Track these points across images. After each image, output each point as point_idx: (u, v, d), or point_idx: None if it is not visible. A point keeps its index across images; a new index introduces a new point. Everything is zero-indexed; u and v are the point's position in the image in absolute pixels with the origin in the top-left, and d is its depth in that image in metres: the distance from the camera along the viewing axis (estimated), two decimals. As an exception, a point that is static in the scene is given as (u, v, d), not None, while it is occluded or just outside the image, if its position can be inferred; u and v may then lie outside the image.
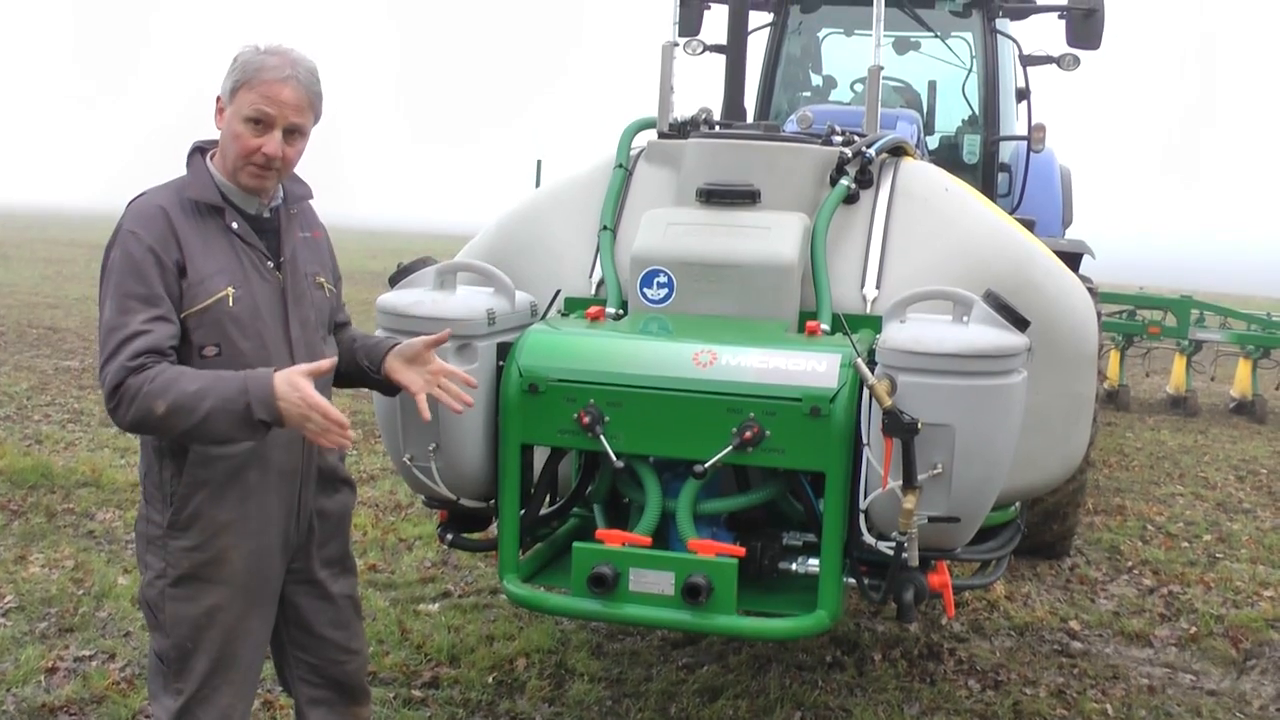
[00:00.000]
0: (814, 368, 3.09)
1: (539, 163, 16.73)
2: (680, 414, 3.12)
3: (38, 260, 27.56)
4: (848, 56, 9.46)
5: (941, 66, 8.98)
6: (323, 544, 3.05)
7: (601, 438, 3.12)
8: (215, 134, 2.85)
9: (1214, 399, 12.94)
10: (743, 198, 3.68)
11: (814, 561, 3.33)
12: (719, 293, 3.55)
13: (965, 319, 3.10)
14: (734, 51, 8.31)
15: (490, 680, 4.52)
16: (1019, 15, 8.32)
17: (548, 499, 3.62)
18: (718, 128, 4.37)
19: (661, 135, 4.22)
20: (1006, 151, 8.39)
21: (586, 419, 3.12)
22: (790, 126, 6.85)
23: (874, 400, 2.96)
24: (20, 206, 60.54)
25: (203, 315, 2.71)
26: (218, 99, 2.80)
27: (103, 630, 4.91)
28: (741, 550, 3.11)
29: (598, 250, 3.85)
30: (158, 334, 2.63)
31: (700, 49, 8.28)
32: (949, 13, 8.37)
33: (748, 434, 3.04)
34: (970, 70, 8.64)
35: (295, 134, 2.80)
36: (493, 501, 3.41)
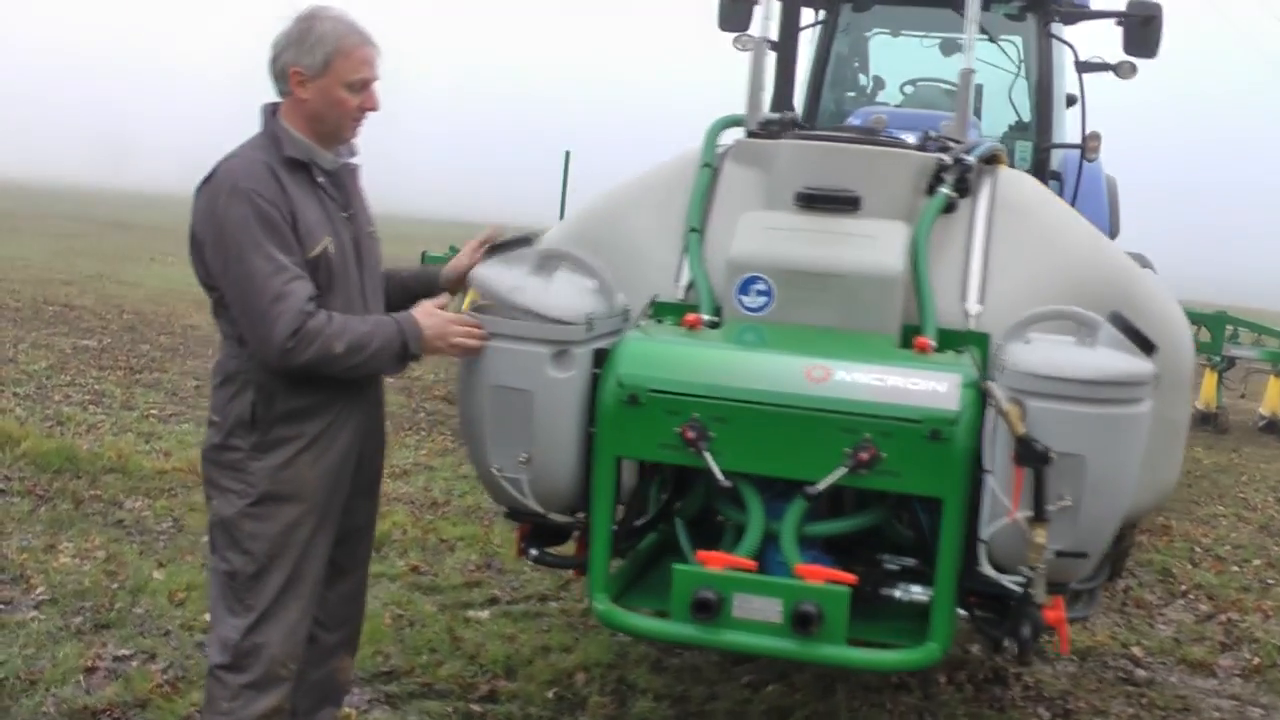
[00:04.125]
0: (934, 388, 2.93)
1: (567, 154, 16.61)
2: (791, 432, 2.96)
3: (49, 235, 27.30)
4: (894, 57, 9.30)
5: (988, 70, 8.80)
6: (366, 473, 3.29)
7: (706, 454, 2.96)
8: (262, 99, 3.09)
9: (1241, 416, 12.78)
10: (844, 204, 3.51)
11: (918, 589, 3.17)
12: (820, 302, 3.38)
13: (1090, 341, 2.94)
14: (785, 49, 8.14)
15: (550, 695, 4.35)
16: (1074, 20, 8.15)
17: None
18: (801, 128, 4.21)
19: (750, 134, 4.05)
20: (1056, 159, 8.21)
21: (691, 434, 2.96)
22: (852, 123, 6.71)
23: (999, 425, 2.81)
24: (28, 179, 60.18)
25: (314, 263, 2.97)
26: (294, 71, 2.98)
27: (140, 628, 4.74)
28: (853, 578, 2.95)
29: (685, 252, 3.68)
30: (307, 280, 2.92)
31: (751, 45, 8.10)
32: (1004, 16, 8.19)
33: (863, 455, 2.88)
34: (1019, 75, 8.47)
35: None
36: (580, 515, 3.25)
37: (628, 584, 3.42)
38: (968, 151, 3.77)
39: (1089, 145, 7.60)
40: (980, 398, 2.91)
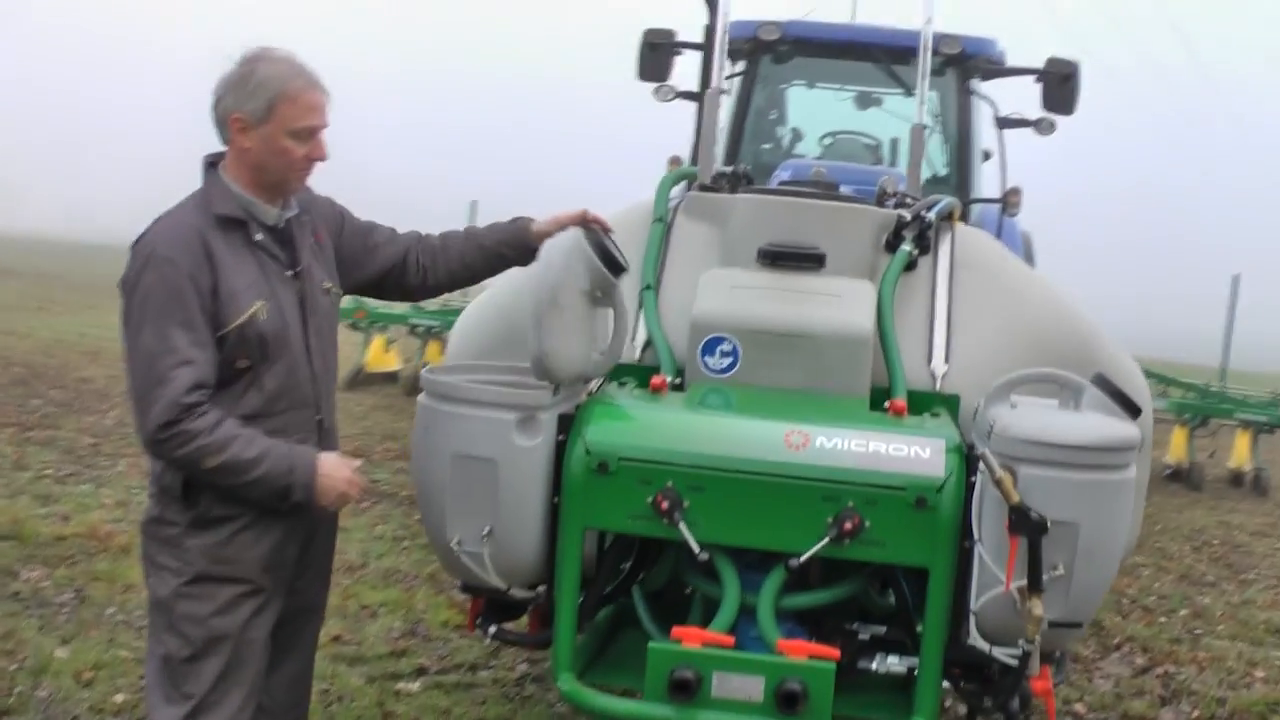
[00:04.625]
0: (918, 453, 2.82)
1: (473, 203, 16.40)
2: (770, 501, 2.81)
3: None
4: (809, 110, 9.33)
5: (902, 124, 8.86)
6: (315, 553, 3.10)
7: (681, 525, 2.80)
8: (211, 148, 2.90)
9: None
10: (809, 261, 3.41)
11: (894, 659, 3.04)
12: (788, 363, 3.26)
13: (1075, 405, 2.87)
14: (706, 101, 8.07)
15: (495, 775, 4.13)
16: (992, 75, 8.25)
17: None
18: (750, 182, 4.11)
19: (703, 188, 3.93)
20: (973, 214, 8.28)
21: (665, 504, 2.80)
22: (778, 179, 6.66)
23: (987, 492, 2.71)
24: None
25: (238, 332, 2.76)
26: (235, 118, 2.79)
27: (45, 713, 4.40)
28: (836, 652, 2.80)
29: (640, 310, 3.54)
30: (201, 364, 2.70)
31: (671, 95, 8.06)
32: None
33: (847, 525, 2.75)
34: (933, 129, 8.53)
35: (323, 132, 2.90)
36: (540, 589, 3.06)
37: (589, 660, 3.24)
38: (928, 208, 3.71)
39: (1009, 200, 7.65)
40: (964, 463, 2.81)
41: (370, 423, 11.17)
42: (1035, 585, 2.64)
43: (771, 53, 8.40)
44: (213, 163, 2.90)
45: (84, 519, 6.94)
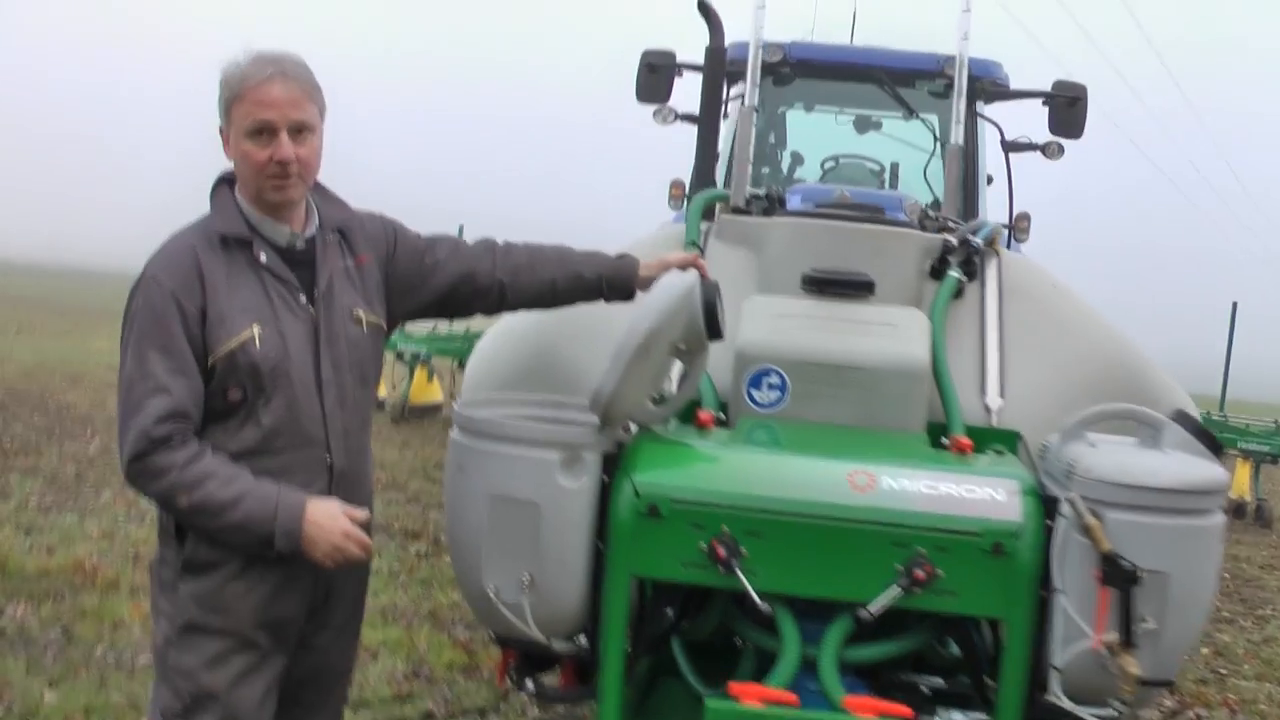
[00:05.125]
0: (992, 496, 2.62)
1: (460, 228, 16.20)
2: (835, 547, 2.61)
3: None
4: (807, 133, 9.17)
5: (905, 148, 8.71)
6: (336, 609, 2.81)
7: (739, 574, 2.60)
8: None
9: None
10: (858, 288, 3.23)
11: (960, 715, 2.84)
12: (839, 398, 3.07)
13: (1156, 444, 2.69)
14: (707, 123, 7.88)
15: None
16: (997, 98, 8.10)
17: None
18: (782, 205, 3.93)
19: (736, 211, 3.75)
20: (980, 239, 8.10)
21: (722, 551, 2.59)
22: (789, 205, 6.49)
23: (1069, 539, 2.52)
24: None
25: (229, 359, 2.52)
26: (220, 130, 2.62)
27: (35, 762, 4.16)
28: (909, 711, 2.60)
29: None
30: (179, 393, 2.48)
31: (672, 117, 7.89)
32: (928, 93, 8.10)
33: (919, 573, 2.55)
34: (933, 153, 8.39)
35: (302, 131, 2.58)
36: (581, 640, 2.84)
37: (629, 715, 3.01)
38: (973, 232, 3.54)
39: (1018, 225, 7.52)
40: (1041, 506, 2.62)
41: (413, 455, 10.90)
42: (1128, 640, 2.45)
43: (773, 75, 8.23)
44: (228, 179, 2.69)
45: (69, 552, 6.68)
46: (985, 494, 2.62)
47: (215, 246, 2.57)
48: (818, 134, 9.13)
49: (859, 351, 3.07)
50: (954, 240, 3.51)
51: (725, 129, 7.92)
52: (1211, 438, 2.67)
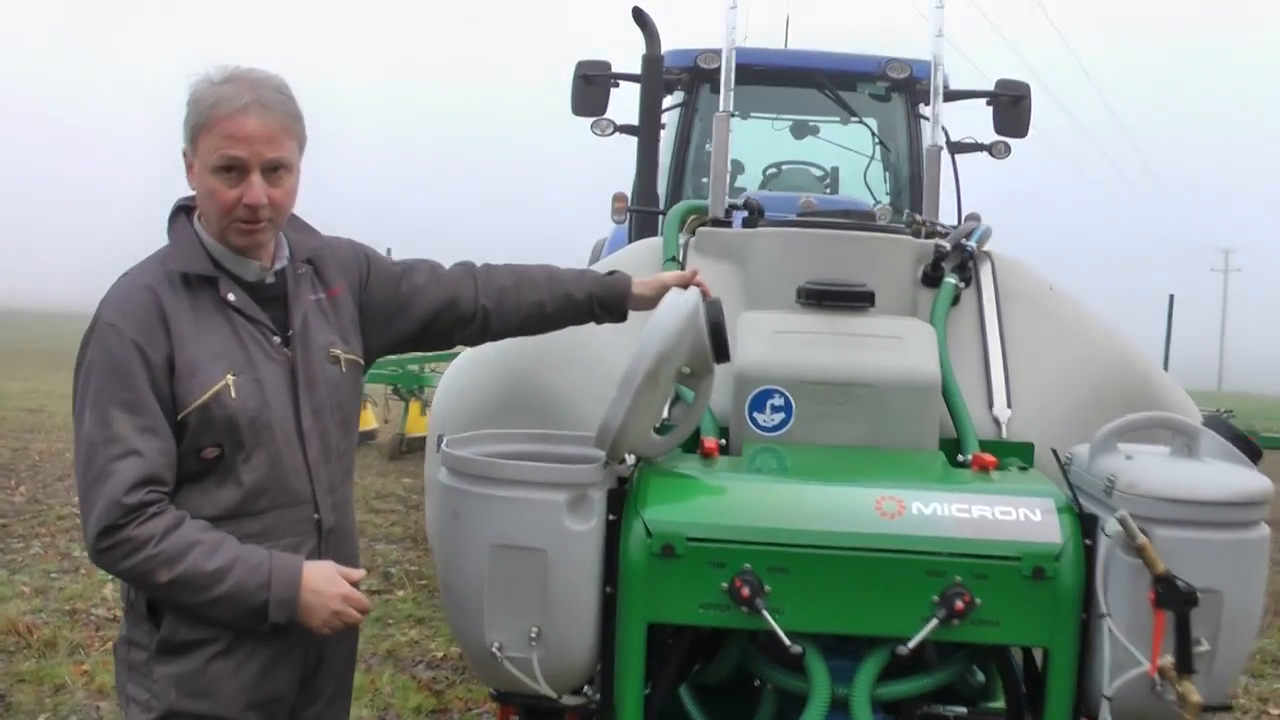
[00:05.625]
0: (1028, 516, 2.46)
1: (388, 250, 15.88)
2: (865, 579, 2.43)
3: None
4: (748, 140, 9.05)
5: (839, 153, 8.63)
6: (328, 678, 2.59)
7: (765, 614, 2.40)
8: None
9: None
10: (859, 300, 3.05)
11: None
12: (848, 417, 2.89)
13: (1194, 453, 2.55)
14: (647, 133, 7.71)
15: None
16: (944, 100, 8.02)
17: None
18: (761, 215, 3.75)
19: (715, 223, 3.57)
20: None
21: (747, 591, 2.40)
22: (740, 214, 6.33)
23: (1114, 560, 2.36)
24: None
25: (203, 413, 2.26)
26: (183, 153, 2.34)
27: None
28: (954, 752, 2.44)
29: None
30: (151, 455, 2.21)
31: (610, 129, 7.71)
32: (869, 96, 8.01)
33: (958, 604, 2.38)
34: (873, 157, 8.31)
35: (278, 170, 2.31)
36: (586, 692, 2.64)
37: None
38: (966, 235, 3.39)
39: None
40: (1078, 525, 2.46)
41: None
42: (1186, 665, 2.30)
43: (710, 82, 8.09)
44: (186, 207, 2.42)
45: (0, 611, 6.29)
46: (1021, 515, 2.46)
47: (177, 285, 2.31)
48: (755, 141, 9.02)
49: (867, 367, 2.89)
50: (947, 245, 3.36)
51: (664, 139, 7.77)
52: (1249, 443, 2.54)
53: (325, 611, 2.31)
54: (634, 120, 7.48)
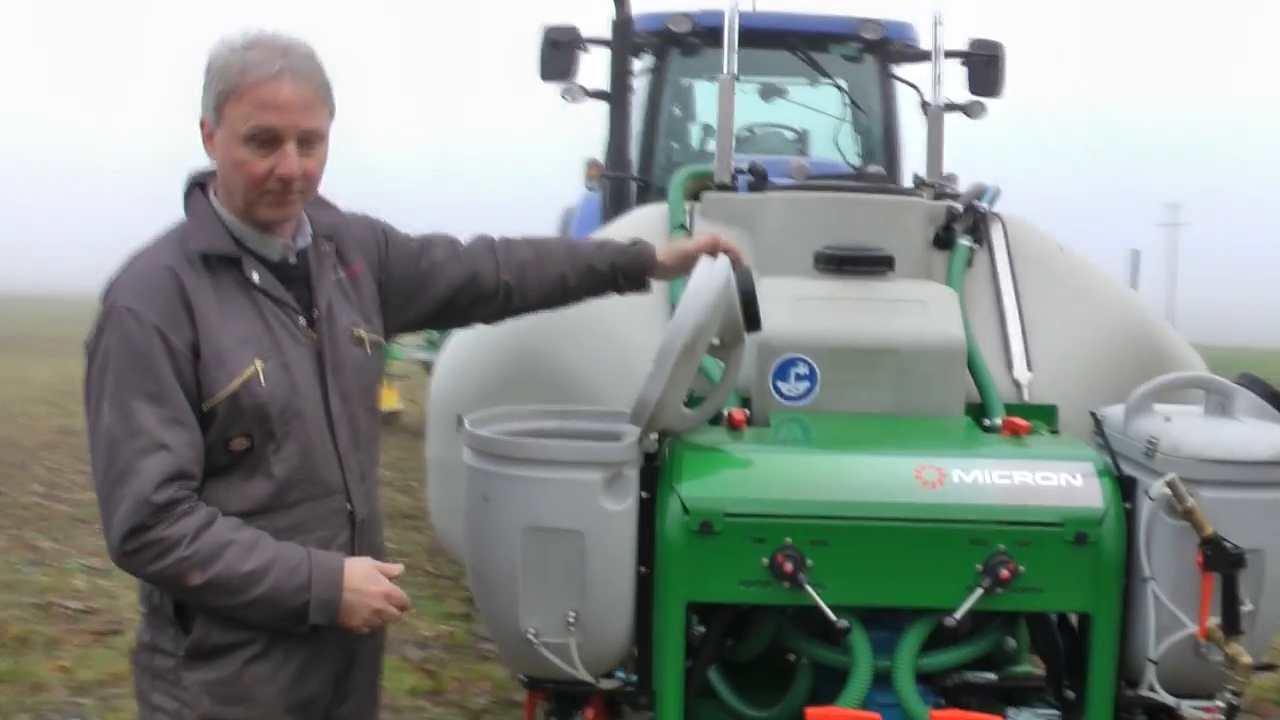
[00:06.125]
0: (1069, 482, 2.43)
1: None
2: (908, 550, 2.39)
3: None
4: (709, 103, 8.96)
5: (809, 115, 8.56)
6: (359, 676, 2.47)
7: (808, 589, 2.35)
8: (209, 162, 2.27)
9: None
10: (879, 264, 3.00)
11: (1030, 713, 2.66)
12: (874, 384, 2.85)
13: (1229, 411, 2.52)
14: (618, 99, 7.60)
15: None
16: (912, 60, 7.97)
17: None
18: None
19: (720, 187, 3.49)
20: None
21: (789, 566, 2.35)
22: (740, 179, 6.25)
23: (1157, 522, 2.34)
24: None
25: (232, 402, 2.14)
26: (202, 122, 2.20)
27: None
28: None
29: None
30: (179, 448, 2.08)
31: (580, 95, 7.59)
32: (841, 57, 7.93)
33: (1003, 572, 2.34)
34: (843, 119, 8.24)
35: (311, 141, 2.19)
36: (620, 676, 2.57)
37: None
38: (978, 196, 3.34)
39: None
40: (1118, 489, 2.43)
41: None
42: (1234, 626, 2.27)
43: (681, 46, 7.98)
44: (200, 183, 2.29)
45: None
46: (1062, 480, 2.43)
47: (198, 267, 2.17)
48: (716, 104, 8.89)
49: (893, 333, 2.84)
50: (959, 206, 3.31)
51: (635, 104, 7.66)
52: (1280, 398, 2.51)
53: (366, 610, 2.20)
54: (604, 86, 7.43)
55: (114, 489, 2.07)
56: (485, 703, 4.73)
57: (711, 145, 8.71)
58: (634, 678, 2.52)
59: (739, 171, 3.58)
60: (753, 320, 2.52)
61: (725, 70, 3.55)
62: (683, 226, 3.31)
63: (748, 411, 2.80)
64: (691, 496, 2.39)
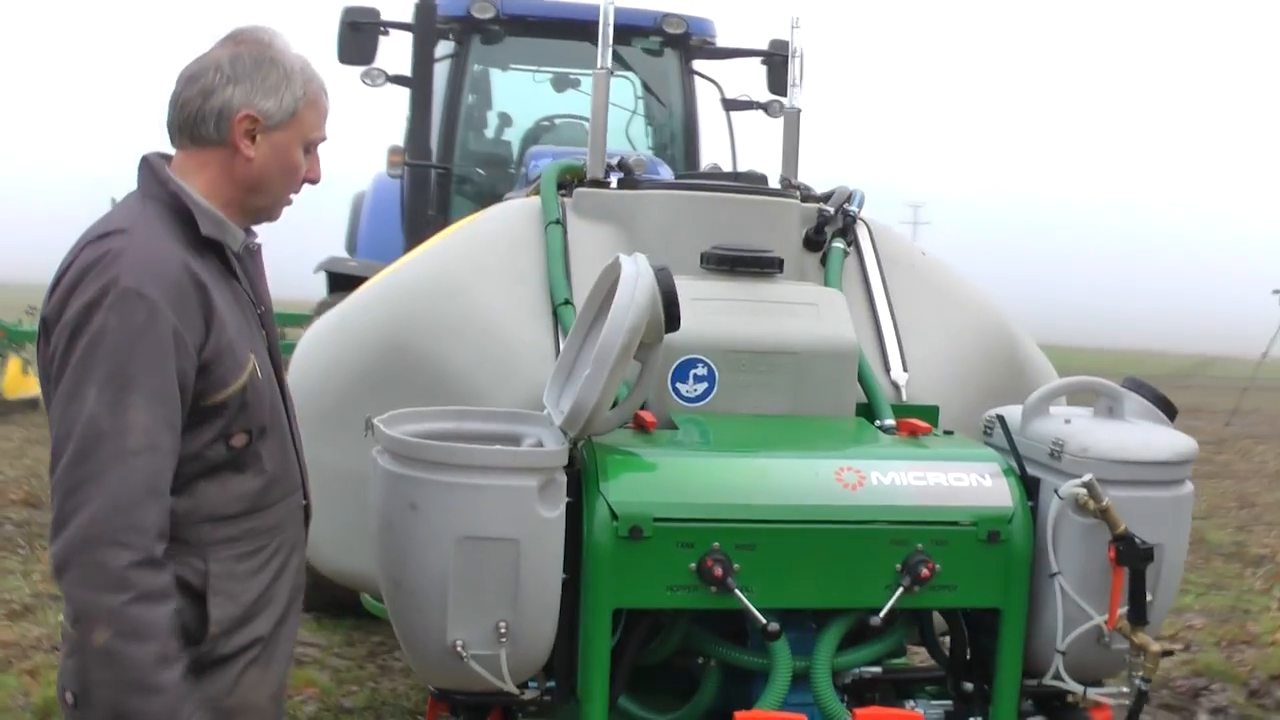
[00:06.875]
0: (979, 482, 2.51)
1: (113, 200, 14.69)
2: (832, 552, 2.42)
3: None
4: (506, 93, 8.86)
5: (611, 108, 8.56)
6: None
7: (737, 593, 2.35)
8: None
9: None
10: (769, 266, 3.01)
11: (929, 705, 2.74)
12: (770, 385, 2.86)
13: (1120, 414, 2.66)
14: (420, 85, 7.43)
15: None
16: (716, 56, 8.08)
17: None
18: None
19: (593, 183, 3.43)
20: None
21: (719, 569, 2.33)
22: (536, 168, 6.16)
23: (1062, 520, 2.45)
24: None
25: (241, 395, 2.05)
26: (246, 116, 2.06)
27: None
28: (920, 715, 2.48)
29: (558, 330, 3.01)
30: (165, 454, 1.93)
31: (381, 79, 7.37)
32: (641, 50, 7.97)
33: (923, 571, 2.40)
34: (635, 111, 8.29)
35: None
36: (533, 685, 2.50)
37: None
38: (846, 200, 3.41)
39: None
40: (1023, 488, 2.53)
41: (31, 460, 9.59)
42: (1141, 617, 2.41)
43: (482, 33, 7.83)
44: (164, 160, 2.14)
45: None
46: (973, 480, 2.51)
47: (200, 253, 2.06)
48: (514, 94, 8.83)
49: (790, 335, 2.86)
50: (830, 209, 3.37)
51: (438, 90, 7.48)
52: (1168, 402, 2.67)
53: None
54: (405, 71, 7.21)
55: (83, 484, 1.86)
56: (314, 710, 4.51)
57: (507, 135, 8.63)
58: (547, 686, 2.46)
59: (609, 167, 3.53)
60: (674, 320, 2.49)
61: (599, 64, 3.48)
62: (557, 222, 3.23)
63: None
64: (620, 501, 2.34)
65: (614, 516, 2.33)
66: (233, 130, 2.05)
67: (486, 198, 7.61)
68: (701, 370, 2.83)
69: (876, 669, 2.77)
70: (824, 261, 3.29)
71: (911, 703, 2.73)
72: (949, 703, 2.72)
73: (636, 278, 2.37)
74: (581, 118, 8.51)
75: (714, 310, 2.88)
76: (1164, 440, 2.50)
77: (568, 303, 3.01)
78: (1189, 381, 27.16)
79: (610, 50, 3.50)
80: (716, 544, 2.35)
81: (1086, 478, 2.36)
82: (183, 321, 1.95)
